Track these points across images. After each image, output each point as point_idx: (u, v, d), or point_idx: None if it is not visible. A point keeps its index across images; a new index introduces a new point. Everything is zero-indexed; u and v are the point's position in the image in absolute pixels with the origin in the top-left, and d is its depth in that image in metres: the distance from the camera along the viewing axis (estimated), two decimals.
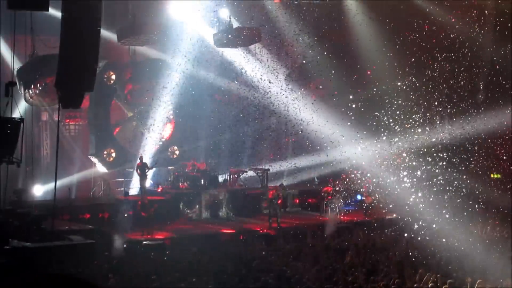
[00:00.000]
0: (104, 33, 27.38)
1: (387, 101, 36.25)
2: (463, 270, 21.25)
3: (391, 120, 35.92)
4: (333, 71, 37.58)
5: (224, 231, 31.23)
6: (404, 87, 36.15)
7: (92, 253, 24.26)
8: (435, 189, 34.92)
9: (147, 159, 34.94)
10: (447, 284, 19.14)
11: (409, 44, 36.28)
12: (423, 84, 36.31)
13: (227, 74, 38.69)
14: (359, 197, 36.49)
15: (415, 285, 19.73)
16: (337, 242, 27.45)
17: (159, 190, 35.37)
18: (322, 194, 35.98)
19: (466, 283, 19.40)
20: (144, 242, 27.85)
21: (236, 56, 38.09)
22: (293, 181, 40.35)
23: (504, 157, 35.75)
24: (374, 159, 36.39)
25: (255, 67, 37.96)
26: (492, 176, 36.42)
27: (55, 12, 26.21)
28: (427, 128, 36.62)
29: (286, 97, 38.03)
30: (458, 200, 33.90)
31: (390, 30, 36.49)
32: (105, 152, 36.65)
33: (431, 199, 34.34)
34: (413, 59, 35.97)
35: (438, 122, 37.35)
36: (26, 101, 32.53)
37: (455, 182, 35.09)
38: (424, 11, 36.18)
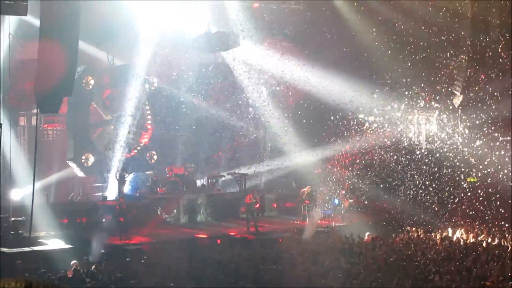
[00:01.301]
0: (83, 38, 27.41)
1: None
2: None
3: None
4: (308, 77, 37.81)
5: (202, 235, 31.30)
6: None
7: (70, 258, 24.26)
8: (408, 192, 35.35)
9: (125, 164, 34.99)
10: None
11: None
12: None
13: (205, 78, 38.73)
14: (336, 201, 36.63)
15: None
16: (315, 246, 27.57)
17: (137, 195, 35.38)
18: (300, 195, 36.06)
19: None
20: (122, 247, 27.90)
21: (214, 60, 38.21)
22: (271, 185, 40.35)
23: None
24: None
25: (234, 71, 38.05)
26: (468, 180, 36.57)
27: (33, 18, 26.31)
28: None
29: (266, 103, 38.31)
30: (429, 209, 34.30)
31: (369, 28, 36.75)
32: (83, 157, 36.55)
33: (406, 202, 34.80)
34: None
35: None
36: (4, 106, 32.47)
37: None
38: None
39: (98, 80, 37.10)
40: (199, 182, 37.96)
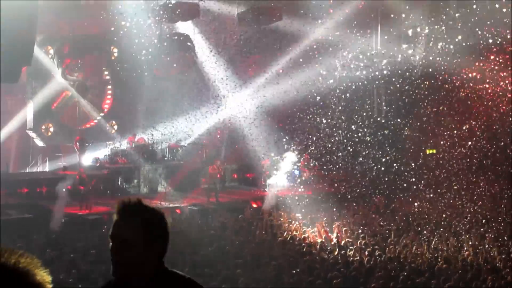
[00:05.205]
0: (43, 5, 27.15)
1: None
2: None
3: None
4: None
5: (162, 205, 31.34)
6: None
7: (30, 228, 24.26)
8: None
9: (86, 134, 34.88)
10: None
11: None
12: None
13: (166, 49, 38.46)
14: (296, 172, 36.69)
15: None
16: (273, 218, 27.78)
17: (98, 164, 35.27)
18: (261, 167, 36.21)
19: None
20: (83, 217, 27.92)
21: (175, 30, 38.03)
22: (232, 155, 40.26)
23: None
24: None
25: (194, 42, 37.92)
26: (427, 151, 36.95)
27: None
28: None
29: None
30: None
31: None
32: (43, 127, 36.37)
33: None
34: None
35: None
36: None
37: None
38: None
39: (58, 49, 36.78)
40: (159, 152, 37.90)
